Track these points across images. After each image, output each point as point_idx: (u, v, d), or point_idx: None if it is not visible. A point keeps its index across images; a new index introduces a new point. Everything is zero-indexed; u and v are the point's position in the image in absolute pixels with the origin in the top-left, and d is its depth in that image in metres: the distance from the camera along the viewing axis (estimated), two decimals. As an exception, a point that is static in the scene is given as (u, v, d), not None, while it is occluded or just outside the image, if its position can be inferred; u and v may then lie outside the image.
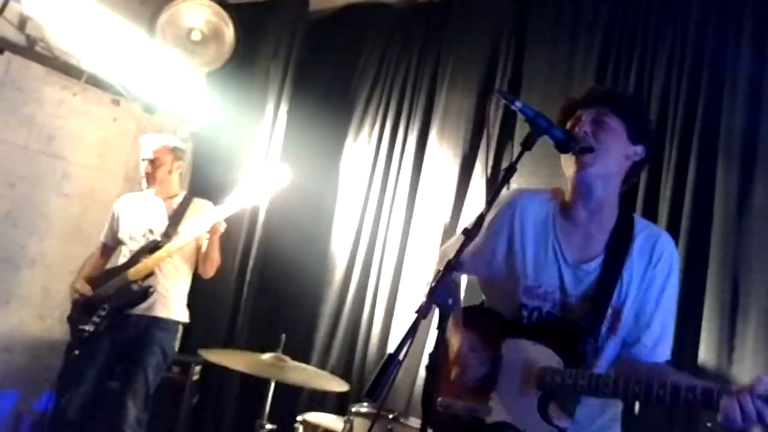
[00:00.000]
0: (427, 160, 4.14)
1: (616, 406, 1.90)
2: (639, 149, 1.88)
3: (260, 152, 4.55)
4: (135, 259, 3.54)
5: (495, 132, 3.88)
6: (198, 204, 3.75)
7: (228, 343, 4.28)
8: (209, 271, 3.68)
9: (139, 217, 3.68)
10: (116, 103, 4.64)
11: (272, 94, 4.64)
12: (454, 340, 1.91)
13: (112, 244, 3.76)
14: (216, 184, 4.32)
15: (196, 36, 4.58)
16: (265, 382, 3.07)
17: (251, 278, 4.41)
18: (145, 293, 3.47)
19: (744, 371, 3.16)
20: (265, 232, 4.45)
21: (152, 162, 3.69)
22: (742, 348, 3.16)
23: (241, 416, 4.08)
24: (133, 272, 3.48)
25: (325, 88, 4.66)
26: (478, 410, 1.78)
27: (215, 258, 3.64)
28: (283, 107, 4.58)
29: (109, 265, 3.73)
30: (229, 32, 4.61)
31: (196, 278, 4.55)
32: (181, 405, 3.96)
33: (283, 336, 3.12)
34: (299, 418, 3.14)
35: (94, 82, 4.50)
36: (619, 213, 1.88)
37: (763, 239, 3.13)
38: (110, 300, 3.47)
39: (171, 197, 3.73)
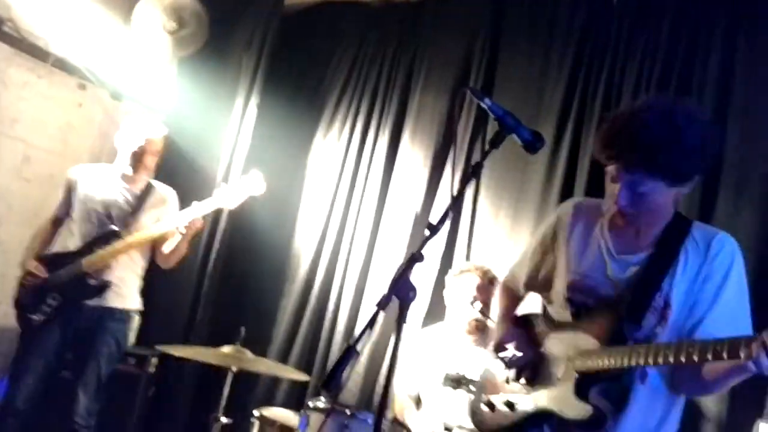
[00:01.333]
0: (399, 158, 4.15)
1: (672, 411, 1.82)
2: (686, 188, 1.77)
3: (229, 144, 4.50)
4: (90, 247, 3.39)
5: (468, 130, 3.90)
6: (160, 193, 3.63)
7: (187, 336, 4.21)
8: (172, 263, 3.59)
9: (98, 198, 3.49)
10: (82, 87, 4.54)
11: (243, 86, 4.59)
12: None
13: (63, 218, 3.57)
14: (183, 174, 4.26)
15: (171, 24, 4.52)
16: (222, 376, 3.03)
17: (212, 271, 4.35)
18: (102, 289, 3.37)
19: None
20: (229, 225, 4.38)
21: (150, 148, 3.53)
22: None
23: (198, 409, 4.02)
24: (89, 263, 3.35)
25: (297, 82, 4.63)
26: (518, 402, 1.82)
27: (183, 253, 3.55)
28: (254, 99, 4.54)
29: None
30: (203, 22, 4.56)
31: (156, 270, 4.48)
32: (136, 397, 3.89)
33: (243, 329, 3.09)
34: (255, 412, 3.10)
35: (61, 65, 4.39)
36: (675, 214, 1.83)
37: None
38: (62, 290, 3.35)
39: (136, 182, 3.56)
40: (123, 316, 3.48)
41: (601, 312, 1.77)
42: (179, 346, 3.46)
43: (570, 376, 1.73)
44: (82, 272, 3.35)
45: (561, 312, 1.89)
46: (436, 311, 3.65)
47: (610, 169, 1.75)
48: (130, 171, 3.53)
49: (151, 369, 3.99)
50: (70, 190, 3.55)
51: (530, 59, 3.87)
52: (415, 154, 4.09)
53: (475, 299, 3.25)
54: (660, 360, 1.52)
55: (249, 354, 3.00)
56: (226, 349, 3.03)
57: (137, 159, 3.51)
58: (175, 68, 4.82)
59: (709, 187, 3.18)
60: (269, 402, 3.77)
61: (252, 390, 3.95)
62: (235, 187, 3.40)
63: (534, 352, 1.90)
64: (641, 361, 1.57)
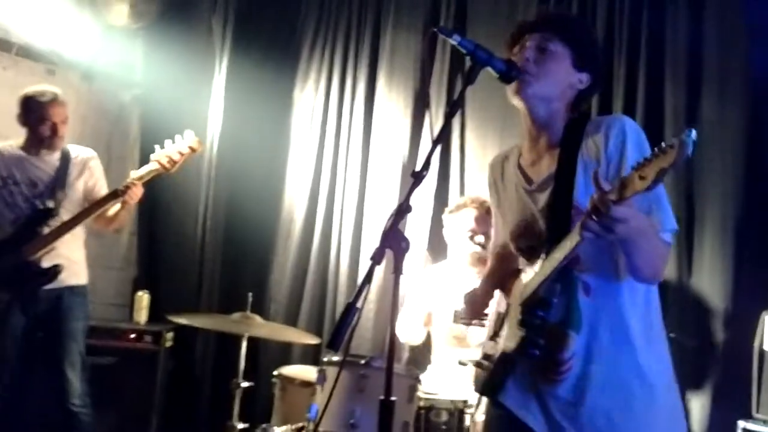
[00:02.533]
0: (379, 103, 4.08)
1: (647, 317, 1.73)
2: (584, 77, 1.82)
3: (206, 108, 4.44)
4: (27, 232, 3.21)
5: (445, 67, 3.84)
6: (81, 156, 3.44)
7: (197, 305, 4.25)
8: (113, 230, 3.54)
9: (18, 177, 3.32)
10: (51, 73, 4.43)
11: (215, 48, 4.50)
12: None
13: None
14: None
15: (128, -9, 4.39)
16: (237, 342, 3.08)
17: (212, 239, 4.35)
18: (55, 273, 3.22)
19: (703, 282, 3.25)
20: (220, 191, 4.38)
21: (53, 115, 3.34)
22: (701, 259, 3.25)
23: (219, 377, 4.09)
24: (32, 249, 3.18)
25: (268, 36, 4.52)
26: (493, 354, 1.83)
27: (124, 222, 3.51)
28: (226, 60, 4.45)
29: None
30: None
31: (159, 247, 4.48)
32: (158, 373, 3.96)
33: (250, 295, 3.12)
34: (275, 372, 3.16)
35: (26, 53, 4.28)
36: (568, 122, 1.80)
37: (712, 152, 3.18)
38: (9, 282, 3.20)
39: (52, 152, 3.38)
40: (83, 290, 3.42)
41: (540, 246, 1.74)
42: (191, 315, 3.50)
43: (518, 312, 1.72)
44: (25, 261, 3.18)
45: (522, 262, 1.88)
46: (436, 252, 3.67)
47: (524, 39, 1.81)
48: (43, 143, 3.36)
49: (168, 344, 4.05)
50: None
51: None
52: (394, 98, 4.04)
53: (474, 233, 3.25)
54: (568, 245, 1.52)
55: (258, 319, 3.05)
56: (236, 316, 3.06)
57: (48, 131, 3.34)
58: (143, 40, 4.70)
59: (693, 94, 3.16)
60: (286, 360, 3.83)
61: (268, 351, 4.00)
62: (170, 148, 3.25)
63: (507, 304, 1.89)
64: (557, 259, 1.56)
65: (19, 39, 4.22)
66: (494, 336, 1.91)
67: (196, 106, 4.45)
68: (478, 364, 1.93)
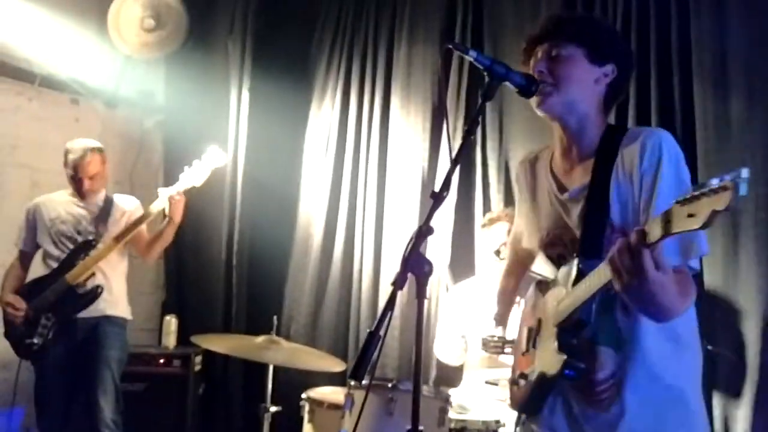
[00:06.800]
0: (394, 117, 4.07)
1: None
2: (608, 68, 1.74)
3: (231, 132, 4.46)
4: (69, 262, 3.40)
5: (464, 81, 3.80)
6: (121, 206, 3.62)
7: (223, 330, 4.24)
8: (155, 253, 3.63)
9: (63, 219, 3.52)
10: (76, 102, 4.50)
11: (234, 71, 4.53)
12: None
13: (30, 251, 3.58)
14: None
15: (148, 22, 4.44)
16: (264, 366, 3.07)
17: (238, 262, 4.36)
18: (94, 294, 3.38)
19: (739, 290, 3.15)
20: (245, 213, 4.39)
21: (81, 172, 3.51)
22: (736, 268, 3.15)
23: (249, 399, 4.08)
24: (73, 276, 3.36)
25: (285, 56, 4.54)
26: (530, 373, 1.78)
27: (168, 240, 3.57)
28: (246, 82, 4.48)
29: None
30: (181, 13, 4.47)
31: (186, 270, 4.50)
32: (187, 398, 3.95)
33: (275, 318, 3.11)
34: (304, 395, 3.12)
35: (49, 83, 4.35)
36: (604, 132, 1.74)
37: (743, 155, 3.10)
38: (53, 308, 3.36)
39: (91, 197, 3.57)
40: (120, 321, 3.51)
41: (571, 256, 1.69)
42: (218, 338, 3.49)
43: (552, 332, 1.66)
44: (68, 286, 3.36)
45: (552, 270, 1.82)
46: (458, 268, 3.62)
47: (536, 51, 1.75)
48: (81, 193, 3.55)
49: (197, 367, 4.04)
50: (32, 222, 3.56)
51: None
52: (411, 113, 4.02)
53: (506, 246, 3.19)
54: (603, 275, 1.42)
55: (284, 343, 3.03)
56: (262, 339, 3.05)
57: (77, 184, 3.53)
58: (164, 66, 4.75)
59: (720, 95, 3.08)
60: (312, 379, 3.79)
61: (295, 373, 3.97)
62: (198, 165, 3.43)
63: (537, 319, 1.83)
64: (593, 285, 1.48)
65: (41, 70, 4.29)
66: (525, 353, 1.85)
67: (217, 130, 4.47)
68: (513, 383, 1.88)
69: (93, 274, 3.40)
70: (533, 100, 1.75)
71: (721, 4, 3.18)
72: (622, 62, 1.76)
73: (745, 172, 1.16)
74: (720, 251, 3.12)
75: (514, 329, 2.31)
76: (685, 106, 3.26)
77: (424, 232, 1.56)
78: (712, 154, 3.12)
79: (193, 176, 3.42)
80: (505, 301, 2.20)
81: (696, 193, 1.19)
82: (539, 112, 1.76)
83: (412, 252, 1.53)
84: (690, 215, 1.20)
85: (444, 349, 3.28)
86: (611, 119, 1.88)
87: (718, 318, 3.12)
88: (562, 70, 1.71)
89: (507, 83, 1.70)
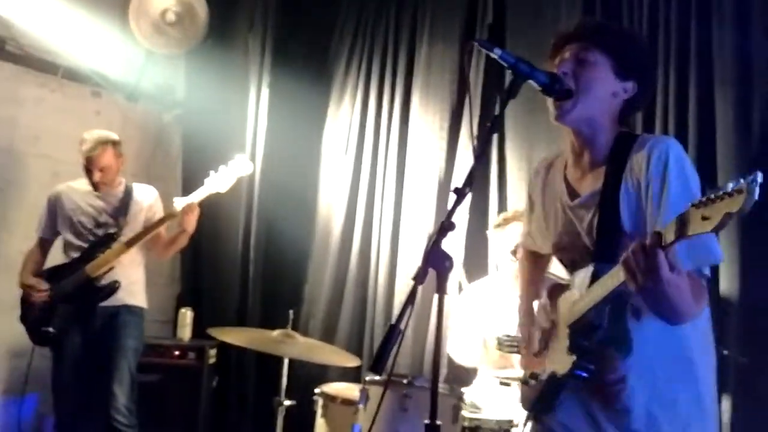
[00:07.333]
0: (413, 115, 4.07)
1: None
2: (629, 86, 1.75)
3: (250, 128, 4.49)
4: (90, 254, 3.43)
5: (480, 81, 3.80)
6: (140, 197, 3.64)
7: (238, 323, 4.27)
8: (168, 255, 3.72)
9: (84, 209, 3.55)
10: (97, 95, 4.54)
11: (253, 67, 4.57)
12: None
13: (50, 238, 3.61)
14: (209, 164, 4.26)
15: (170, 17, 4.48)
16: (279, 359, 3.09)
17: (254, 256, 4.39)
18: (112, 289, 3.42)
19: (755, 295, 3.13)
20: (262, 208, 4.43)
21: (93, 165, 3.52)
22: (753, 272, 3.13)
23: (263, 393, 4.10)
24: (93, 267, 3.39)
25: (305, 53, 4.58)
26: (541, 372, 1.80)
27: (183, 244, 3.63)
28: (266, 79, 4.51)
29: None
30: (202, 8, 4.50)
31: (202, 263, 4.54)
32: (201, 390, 3.98)
33: (291, 312, 3.12)
34: (317, 390, 3.14)
35: (72, 76, 4.40)
36: (616, 139, 1.75)
37: (765, 165, 3.08)
38: (70, 298, 3.40)
39: (109, 189, 3.60)
40: (138, 311, 3.55)
41: (583, 261, 1.71)
42: (233, 330, 3.52)
43: (565, 333, 1.68)
44: (87, 278, 3.39)
45: (566, 273, 1.85)
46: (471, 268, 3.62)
47: (564, 51, 1.75)
48: (93, 184, 3.57)
49: (211, 360, 4.07)
50: (52, 210, 3.58)
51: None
52: (431, 112, 4.02)
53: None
54: (616, 277, 1.46)
55: (299, 337, 3.03)
56: (277, 333, 3.06)
57: (89, 174, 3.56)
58: (184, 61, 4.78)
59: (743, 103, 3.06)
60: (327, 374, 3.81)
61: (308, 365, 3.99)
62: (224, 171, 3.48)
63: (550, 320, 1.84)
64: (607, 287, 1.51)
65: (64, 62, 4.33)
66: (538, 353, 1.86)
67: (236, 126, 4.50)
68: (524, 382, 1.90)
69: (112, 268, 3.43)
70: (550, 113, 1.76)
71: (743, 10, 3.16)
72: (644, 82, 1.78)
73: (760, 176, 1.18)
74: (736, 257, 3.11)
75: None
76: (704, 112, 3.24)
77: (446, 227, 1.57)
78: (730, 160, 3.10)
79: (218, 182, 3.47)
80: (529, 312, 2.12)
81: (712, 196, 1.21)
82: (554, 122, 1.77)
83: (433, 247, 1.55)
84: (704, 218, 1.23)
85: (460, 350, 3.28)
86: (638, 125, 1.89)
87: (731, 323, 3.11)
88: (586, 75, 1.72)
89: (530, 81, 1.71)
